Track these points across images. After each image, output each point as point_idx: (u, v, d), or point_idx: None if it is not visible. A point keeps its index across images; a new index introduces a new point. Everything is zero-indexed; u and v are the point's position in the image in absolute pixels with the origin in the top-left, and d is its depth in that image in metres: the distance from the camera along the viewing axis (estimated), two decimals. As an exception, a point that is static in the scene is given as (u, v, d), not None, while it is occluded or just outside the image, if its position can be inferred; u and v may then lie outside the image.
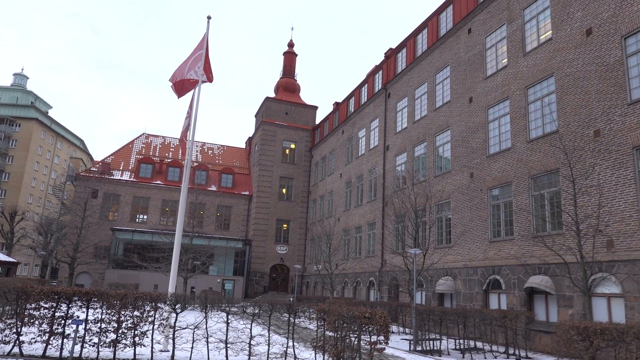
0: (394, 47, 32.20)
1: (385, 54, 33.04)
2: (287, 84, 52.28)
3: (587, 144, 15.70)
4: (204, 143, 53.69)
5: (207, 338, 10.64)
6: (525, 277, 17.34)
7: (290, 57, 53.93)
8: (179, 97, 14.83)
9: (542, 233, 16.85)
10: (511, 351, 15.30)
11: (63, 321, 10.12)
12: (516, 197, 18.59)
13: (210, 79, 14.79)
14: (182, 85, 14.66)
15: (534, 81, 18.58)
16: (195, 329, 10.68)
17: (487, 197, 20.37)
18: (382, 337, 9.24)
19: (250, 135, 53.88)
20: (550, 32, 18.14)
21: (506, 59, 20.47)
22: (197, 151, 51.58)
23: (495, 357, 14.54)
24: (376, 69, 34.56)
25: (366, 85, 36.13)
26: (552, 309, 16.43)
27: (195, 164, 48.31)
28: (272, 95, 51.79)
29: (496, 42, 21.36)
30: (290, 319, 11.29)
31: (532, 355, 15.22)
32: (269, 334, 11.12)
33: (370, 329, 9.29)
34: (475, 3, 23.22)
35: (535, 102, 18.54)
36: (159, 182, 45.45)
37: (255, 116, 53.71)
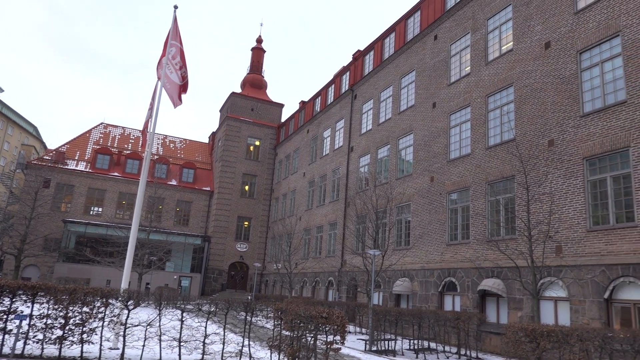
0: (362, 49, 32.46)
1: (353, 55, 33.25)
2: (254, 80, 51.81)
3: (541, 153, 16.30)
4: (166, 136, 52.45)
5: (159, 336, 10.37)
6: (479, 280, 17.84)
7: (258, 53, 53.46)
8: (175, 106, 14.48)
9: (497, 237, 17.39)
10: (463, 352, 15.70)
11: (5, 316, 9.61)
12: (473, 202, 19.09)
13: (180, 97, 14.47)
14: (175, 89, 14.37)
15: (494, 90, 19.14)
16: (148, 327, 10.39)
17: (446, 201, 20.83)
18: (338, 337, 9.26)
19: (214, 130, 53.06)
20: (512, 43, 18.74)
21: (469, 67, 21.00)
22: (158, 144, 50.34)
23: (448, 358, 14.88)
24: (344, 70, 34.74)
25: (333, 86, 36.26)
26: (503, 311, 16.98)
27: (155, 156, 47.13)
28: (239, 90, 51.20)
29: (460, 49, 21.87)
30: (247, 317, 11.17)
31: (483, 356, 15.67)
32: (224, 332, 10.95)
33: (327, 328, 9.30)
34: (442, 10, 23.70)
35: (494, 111, 19.10)
36: (116, 173, 44.06)
37: (220, 111, 52.95)
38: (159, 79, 14.31)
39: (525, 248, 14.63)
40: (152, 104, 14.50)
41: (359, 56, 32.32)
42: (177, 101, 14.23)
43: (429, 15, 24.77)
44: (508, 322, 15.82)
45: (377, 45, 30.03)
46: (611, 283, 13.15)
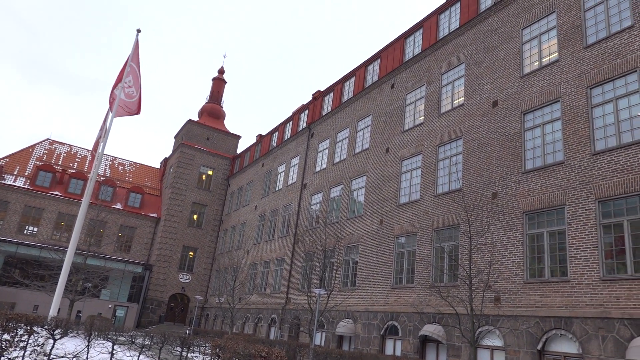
0: (322, 89, 33.25)
1: (313, 95, 33.97)
2: (213, 110, 51.63)
3: (485, 204, 17.04)
4: (115, 157, 50.78)
5: (86, 369, 9.73)
6: (420, 325, 18.02)
7: (219, 83, 53.57)
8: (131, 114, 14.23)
9: (440, 284, 17.75)
10: (401, 398, 15.61)
11: None
12: (419, 247, 19.52)
13: (137, 110, 14.37)
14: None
15: (445, 141, 20.01)
16: (74, 359, 9.75)
17: (394, 244, 21.18)
18: (276, 378, 9.02)
19: (167, 156, 51.97)
20: (463, 98, 19.81)
21: (423, 117, 21.93)
22: (106, 165, 48.58)
23: (386, 404, 14.74)
24: (302, 108, 35.33)
25: (291, 122, 36.70)
26: (442, 357, 17.15)
27: (102, 178, 45.40)
28: (196, 118, 50.76)
29: (415, 99, 22.87)
30: (183, 353, 10.71)
31: (420, 403, 15.64)
32: (157, 368, 10.43)
33: (265, 368, 9.04)
34: (400, 61, 24.84)
35: (444, 160, 19.90)
36: (57, 192, 41.91)
37: (175, 137, 52.11)
38: (112, 100, 14.04)
39: (465, 296, 14.99)
40: (104, 124, 14.15)
41: (318, 96, 33.05)
42: (123, 113, 14.10)
43: (387, 64, 25.87)
44: (446, 369, 15.96)
45: (337, 87, 30.88)
46: (544, 335, 13.65)
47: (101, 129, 14.13)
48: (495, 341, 15.18)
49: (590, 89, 14.74)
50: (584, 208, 13.73)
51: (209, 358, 10.54)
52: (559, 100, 15.61)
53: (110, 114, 14.02)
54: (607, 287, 12.56)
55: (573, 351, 13.01)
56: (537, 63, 16.93)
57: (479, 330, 15.18)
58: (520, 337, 14.26)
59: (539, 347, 13.68)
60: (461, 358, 15.96)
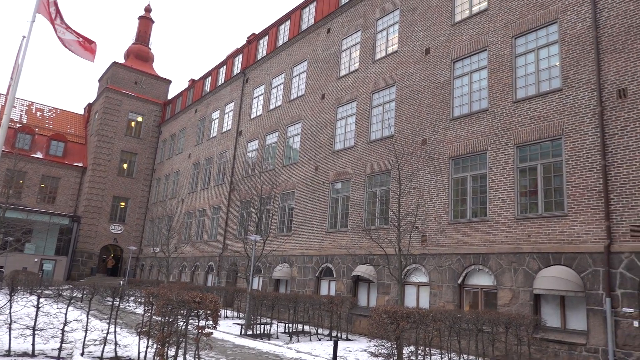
0: (257, 32, 32.07)
1: (247, 38, 32.72)
2: (140, 52, 48.45)
3: (415, 151, 17.67)
4: (32, 102, 46.76)
5: (9, 324, 9.38)
6: (353, 266, 18.88)
7: (145, 22, 50.02)
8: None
9: (371, 227, 18.53)
10: (334, 333, 16.55)
11: None
12: (353, 192, 20.08)
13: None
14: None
15: (378, 88, 20.22)
16: (-4, 314, 9.34)
17: (329, 190, 21.62)
18: (211, 322, 9.18)
19: (91, 102, 48.65)
20: (397, 45, 19.92)
21: (357, 63, 21.90)
22: (22, 110, 44.77)
23: (320, 339, 15.58)
24: (237, 52, 34.04)
25: (225, 67, 35.37)
26: (373, 295, 18.21)
27: (17, 125, 41.93)
28: (122, 61, 47.50)
29: (351, 45, 22.70)
30: (115, 303, 10.57)
31: (352, 337, 16.69)
32: (87, 319, 10.25)
33: (199, 313, 9.16)
34: (336, 5, 24.33)
35: (377, 107, 20.20)
36: (-34, 141, 38.33)
37: (99, 81, 48.71)
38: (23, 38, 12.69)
39: (395, 237, 15.80)
40: (15, 64, 12.86)
41: (253, 40, 31.90)
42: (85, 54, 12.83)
43: (323, 8, 25.27)
44: (376, 305, 17.01)
45: (272, 30, 29.89)
46: (464, 270, 14.80)
47: (13, 69, 12.85)
48: (421, 278, 16.27)
49: (515, 38, 15.32)
50: (504, 153, 14.63)
51: (143, 307, 10.48)
52: (486, 49, 16.12)
53: (21, 52, 12.73)
54: (521, 225, 13.70)
55: (489, 283, 14.26)
56: (467, 11, 17.24)
57: (407, 268, 16.18)
58: (444, 273, 15.37)
59: (459, 282, 14.86)
60: (390, 295, 17.02)
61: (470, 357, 12.72)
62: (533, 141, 13.94)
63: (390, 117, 19.36)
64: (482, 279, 14.50)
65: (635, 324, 10.91)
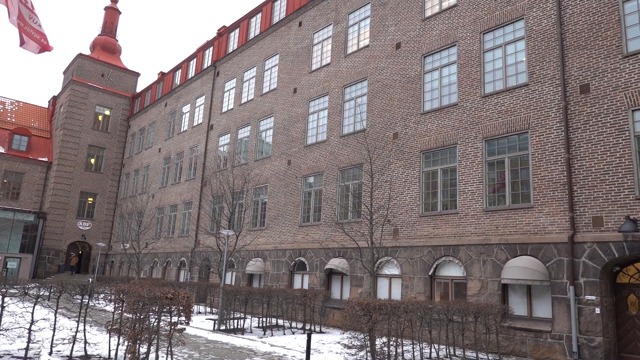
0: (228, 25, 31.66)
1: (218, 30, 32.27)
2: (107, 43, 47.13)
3: (386, 144, 17.85)
4: (-7, 95, 45.00)
5: (-29, 325, 9.05)
6: (326, 259, 18.99)
7: (112, 13, 48.65)
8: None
9: (344, 220, 18.66)
10: (308, 327, 16.64)
11: None
12: (326, 186, 20.16)
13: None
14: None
15: (350, 82, 20.30)
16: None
17: (302, 184, 21.64)
18: (184, 318, 9.10)
19: (56, 94, 47.10)
20: (368, 39, 20.02)
21: (329, 57, 21.92)
22: (-19, 104, 43.00)
23: (293, 332, 15.65)
24: (207, 45, 33.53)
25: (195, 60, 34.80)
26: (346, 288, 18.38)
27: (-23, 118, 40.27)
28: (88, 53, 46.13)
29: (323, 39, 22.68)
30: (84, 300, 10.34)
31: (326, 330, 16.82)
32: (55, 317, 10.00)
33: (172, 309, 9.07)
34: (307, -2, 24.24)
35: (350, 101, 20.29)
36: None
37: (64, 73, 47.19)
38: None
39: (367, 230, 15.97)
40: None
41: (224, 32, 31.48)
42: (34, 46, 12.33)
43: (295, 1, 25.12)
44: (349, 297, 17.18)
45: (243, 23, 29.57)
46: (435, 262, 15.10)
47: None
48: (393, 270, 16.52)
49: (483, 34, 15.62)
50: (473, 147, 14.94)
51: (113, 304, 10.30)
52: (455, 45, 16.38)
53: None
54: (489, 217, 14.05)
55: (459, 274, 14.60)
56: (437, 7, 17.46)
57: (379, 261, 16.39)
58: (415, 265, 15.64)
59: (430, 273, 15.15)
60: (363, 287, 17.22)
61: (441, 347, 13.03)
62: (501, 135, 14.29)
63: (362, 111, 19.48)
64: (453, 270, 14.83)
65: (597, 310, 11.38)
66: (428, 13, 17.75)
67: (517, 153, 13.87)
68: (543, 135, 13.33)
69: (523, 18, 14.58)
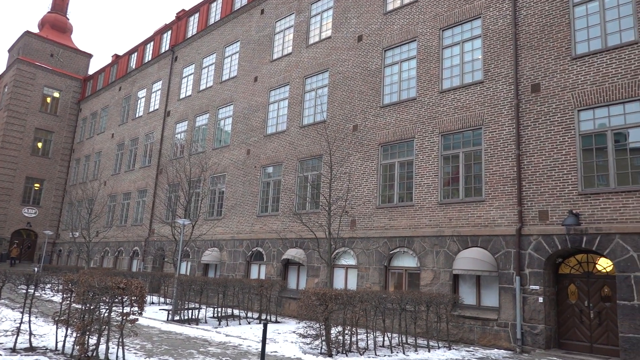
0: (187, 9, 30.81)
1: (177, 14, 31.35)
2: (57, 21, 44.84)
3: (346, 136, 17.99)
4: None
5: None
6: (283, 250, 19.01)
7: (63, -10, 46.24)
8: None
9: (302, 211, 18.71)
10: (264, 316, 16.64)
11: None
12: (285, 176, 20.12)
13: None
14: None
15: (311, 72, 20.26)
16: None
17: (260, 174, 21.49)
18: (136, 308, 8.89)
19: (0, 73, 44.45)
20: (330, 30, 20.01)
21: (291, 47, 21.76)
22: None
23: (249, 323, 15.61)
24: (165, 28, 32.52)
25: (152, 43, 33.69)
26: (303, 278, 18.48)
27: None
28: (36, 31, 43.73)
29: (285, 28, 22.48)
30: (30, 290, 9.90)
31: (282, 320, 16.88)
32: (-3, 308, 9.53)
33: (124, 300, 8.83)
34: (270, -14, 23.90)
35: (310, 92, 20.27)
36: None
37: (9, 51, 44.55)
38: None
39: (325, 221, 16.07)
40: None
41: (183, 16, 30.62)
42: None
43: (257, -12, 24.73)
44: (306, 288, 17.29)
45: (202, 8, 28.85)
46: (390, 252, 15.42)
47: None
48: (349, 260, 16.74)
49: (443, 30, 15.95)
50: (430, 141, 15.30)
51: (61, 294, 9.93)
52: (415, 40, 16.64)
53: None
54: (443, 209, 14.47)
55: (413, 265, 14.98)
56: (399, 1, 17.65)
57: (336, 251, 16.58)
58: (371, 255, 15.92)
59: (385, 264, 15.47)
60: (320, 277, 17.37)
61: (394, 335, 13.37)
62: (456, 130, 14.70)
63: (322, 102, 19.50)
64: (407, 261, 15.20)
65: (540, 300, 11.99)
66: (390, 7, 17.92)
67: (471, 148, 14.31)
68: (495, 131, 13.81)
69: (480, 17, 14.99)
